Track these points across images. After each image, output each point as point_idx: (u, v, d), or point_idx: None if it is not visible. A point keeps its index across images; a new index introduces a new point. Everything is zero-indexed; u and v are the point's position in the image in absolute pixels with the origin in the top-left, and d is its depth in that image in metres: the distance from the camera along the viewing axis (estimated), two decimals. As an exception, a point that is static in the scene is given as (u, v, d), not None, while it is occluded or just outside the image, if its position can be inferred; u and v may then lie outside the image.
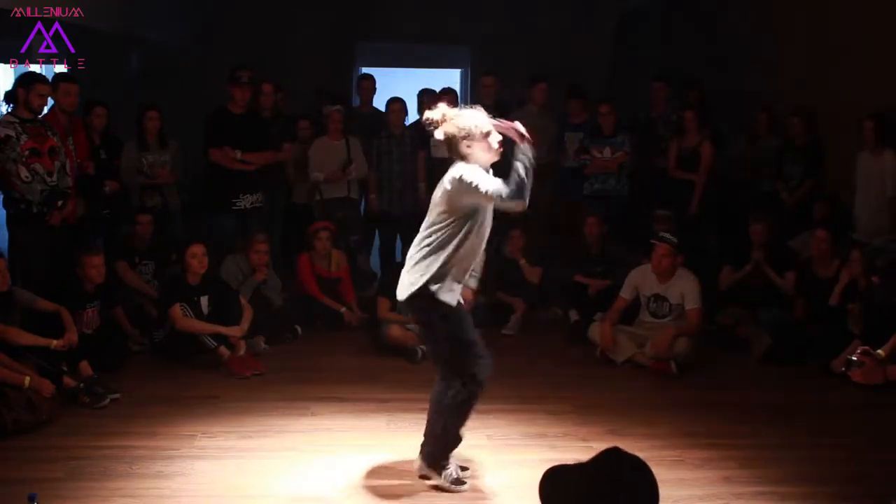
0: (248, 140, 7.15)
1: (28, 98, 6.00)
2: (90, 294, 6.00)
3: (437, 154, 7.62)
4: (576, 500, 2.02)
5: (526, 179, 3.87)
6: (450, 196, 3.95)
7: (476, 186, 3.86)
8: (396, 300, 4.26)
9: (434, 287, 3.97)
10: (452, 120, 3.99)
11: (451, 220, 3.97)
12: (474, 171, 3.92)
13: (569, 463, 2.11)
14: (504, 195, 3.86)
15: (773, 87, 8.12)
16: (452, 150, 4.03)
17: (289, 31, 10.02)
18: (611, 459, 2.03)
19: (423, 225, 4.08)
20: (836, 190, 7.17)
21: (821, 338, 6.11)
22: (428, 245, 4.01)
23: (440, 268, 3.97)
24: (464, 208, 3.95)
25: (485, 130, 3.98)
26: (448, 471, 4.15)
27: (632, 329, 6.41)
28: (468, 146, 3.97)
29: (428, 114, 4.07)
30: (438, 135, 4.02)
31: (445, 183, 3.99)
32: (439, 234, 3.99)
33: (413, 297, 4.02)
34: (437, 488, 4.13)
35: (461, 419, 4.14)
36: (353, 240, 7.91)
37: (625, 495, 1.98)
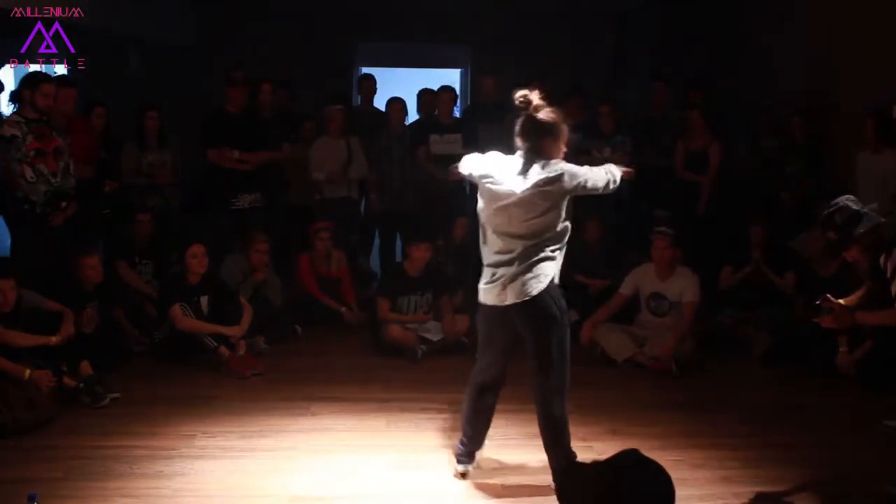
0: (245, 139, 7.14)
1: (33, 98, 6.00)
2: (90, 293, 6.01)
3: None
4: (594, 498, 2.01)
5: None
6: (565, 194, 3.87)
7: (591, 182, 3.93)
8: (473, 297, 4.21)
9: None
10: (547, 109, 3.88)
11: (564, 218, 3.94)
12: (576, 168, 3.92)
13: (585, 461, 2.11)
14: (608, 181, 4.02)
15: (774, 87, 8.11)
16: (530, 134, 3.88)
17: (289, 31, 10.02)
18: (631, 462, 2.01)
19: (521, 230, 3.89)
20: (837, 190, 7.15)
21: (821, 337, 6.09)
22: (553, 247, 3.93)
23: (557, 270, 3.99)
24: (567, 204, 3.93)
25: (566, 133, 3.94)
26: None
27: (632, 329, 6.41)
28: (554, 142, 3.90)
29: (526, 92, 3.90)
30: (542, 116, 3.88)
31: (557, 183, 3.82)
32: (558, 237, 3.93)
33: (542, 294, 3.90)
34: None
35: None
36: (352, 240, 7.90)
37: (643, 496, 1.97)
